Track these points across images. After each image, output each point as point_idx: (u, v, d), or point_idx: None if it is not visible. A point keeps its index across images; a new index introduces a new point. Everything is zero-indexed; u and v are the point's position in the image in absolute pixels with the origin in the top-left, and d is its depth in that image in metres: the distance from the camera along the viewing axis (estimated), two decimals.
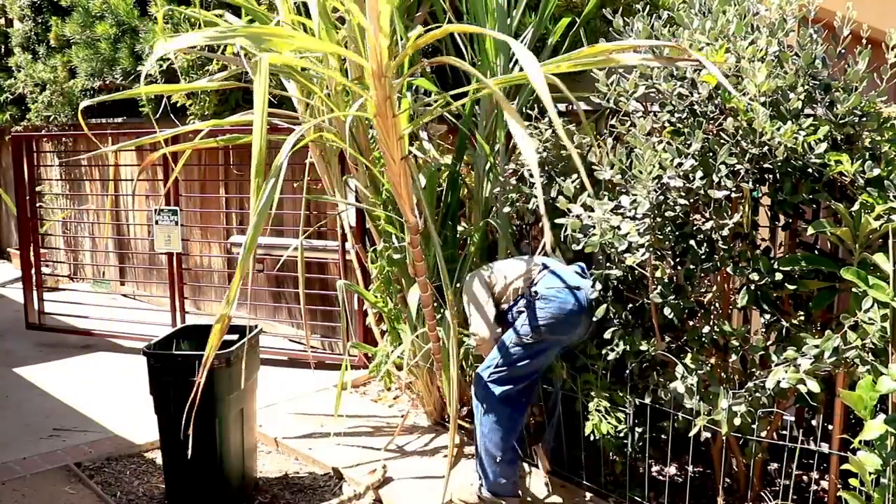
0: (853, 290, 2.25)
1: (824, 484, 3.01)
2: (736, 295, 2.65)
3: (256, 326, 3.25)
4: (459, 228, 3.80)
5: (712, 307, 2.81)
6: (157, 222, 5.00)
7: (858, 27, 2.46)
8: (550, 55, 3.65)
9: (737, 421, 2.48)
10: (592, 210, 2.67)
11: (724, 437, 2.70)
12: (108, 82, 6.26)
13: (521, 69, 2.13)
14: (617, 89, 2.79)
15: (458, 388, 3.78)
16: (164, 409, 2.95)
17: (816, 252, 2.73)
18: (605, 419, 2.82)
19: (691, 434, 2.59)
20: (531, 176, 2.45)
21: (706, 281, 2.84)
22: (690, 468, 2.93)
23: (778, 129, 2.35)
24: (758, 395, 2.50)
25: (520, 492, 2.97)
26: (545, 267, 2.91)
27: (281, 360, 4.93)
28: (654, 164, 2.51)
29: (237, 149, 5.05)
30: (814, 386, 2.27)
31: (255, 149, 2.12)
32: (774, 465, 3.14)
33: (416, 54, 3.77)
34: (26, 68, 7.20)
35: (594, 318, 2.79)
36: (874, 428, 1.99)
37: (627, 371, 2.85)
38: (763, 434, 2.67)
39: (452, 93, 2.98)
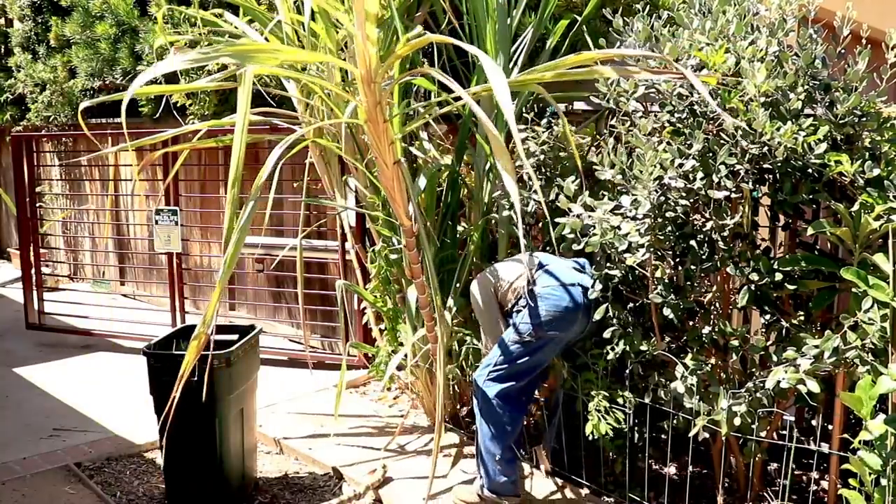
0: (853, 290, 2.26)
1: (824, 484, 3.01)
2: (736, 295, 2.65)
3: (257, 327, 3.25)
4: (459, 228, 3.80)
5: (712, 307, 2.81)
6: (156, 222, 5.00)
7: (858, 27, 2.46)
8: (550, 56, 3.65)
9: (737, 421, 2.48)
10: (593, 210, 2.67)
11: (723, 437, 2.70)
12: (108, 82, 6.26)
13: (521, 70, 2.13)
14: (617, 89, 2.79)
15: (459, 388, 3.80)
16: (164, 409, 2.94)
17: (816, 252, 2.73)
18: (605, 419, 2.82)
19: (691, 434, 2.60)
20: (529, 179, 2.49)
21: (706, 281, 2.84)
22: (690, 468, 2.93)
23: (778, 129, 2.35)
24: (758, 395, 2.50)
25: (520, 491, 2.97)
26: (542, 266, 2.93)
27: (281, 360, 4.93)
28: (655, 165, 2.51)
29: None
30: (814, 386, 2.27)
31: (234, 157, 2.12)
32: (774, 465, 3.14)
33: (416, 55, 3.77)
34: (26, 68, 7.20)
35: (594, 317, 2.80)
36: (874, 428, 1.99)
37: (627, 371, 2.86)
38: (763, 434, 2.67)
39: (449, 96, 2.99)
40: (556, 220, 2.79)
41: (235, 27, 3.74)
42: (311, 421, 3.90)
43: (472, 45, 3.65)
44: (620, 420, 2.85)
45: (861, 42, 2.43)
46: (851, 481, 2.11)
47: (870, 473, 2.04)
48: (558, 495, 3.11)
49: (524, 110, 3.55)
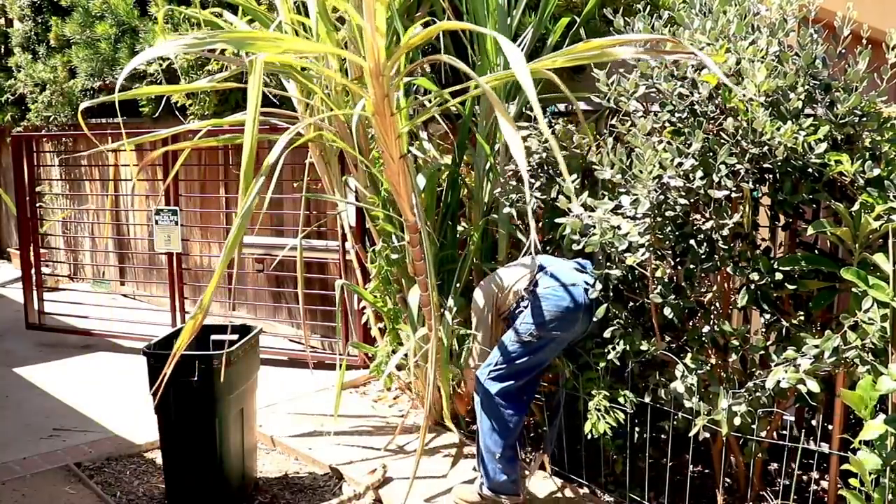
0: (853, 290, 2.26)
1: (824, 484, 3.01)
2: (736, 295, 2.65)
3: (257, 326, 3.25)
4: (459, 228, 3.80)
5: (712, 307, 2.81)
6: (156, 222, 5.00)
7: (859, 27, 2.46)
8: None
9: (737, 421, 2.48)
10: (593, 210, 2.67)
11: (724, 437, 2.70)
12: (108, 82, 6.26)
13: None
14: (617, 89, 2.79)
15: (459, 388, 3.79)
16: (164, 408, 2.95)
17: (816, 252, 2.73)
18: (604, 418, 2.82)
19: (691, 434, 2.60)
20: (522, 178, 2.50)
21: (706, 281, 2.84)
22: (690, 468, 2.93)
23: (778, 129, 2.35)
24: (758, 394, 2.50)
25: (520, 490, 2.97)
26: (542, 268, 2.94)
27: (281, 360, 4.93)
28: (655, 164, 2.51)
29: (237, 148, 5.05)
30: (814, 386, 2.27)
31: (245, 148, 2.12)
32: (774, 465, 3.14)
33: (416, 54, 3.78)
34: (26, 68, 7.20)
35: (594, 316, 2.80)
36: (874, 428, 1.99)
37: (627, 370, 2.85)
38: (763, 434, 2.67)
39: (451, 89, 2.99)
40: (557, 220, 2.79)
41: (235, 27, 3.74)
42: (311, 421, 3.90)
43: (475, 43, 3.67)
44: (620, 420, 2.85)
45: (861, 42, 2.43)
46: (851, 481, 2.11)
47: (870, 473, 2.04)
48: (558, 495, 3.11)
49: (524, 110, 3.55)
